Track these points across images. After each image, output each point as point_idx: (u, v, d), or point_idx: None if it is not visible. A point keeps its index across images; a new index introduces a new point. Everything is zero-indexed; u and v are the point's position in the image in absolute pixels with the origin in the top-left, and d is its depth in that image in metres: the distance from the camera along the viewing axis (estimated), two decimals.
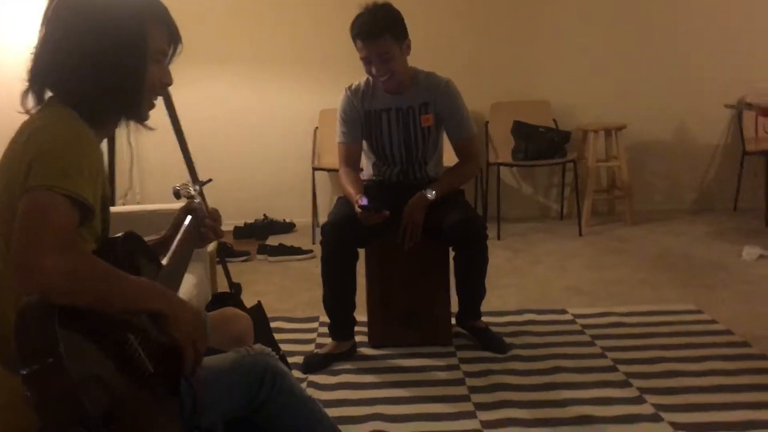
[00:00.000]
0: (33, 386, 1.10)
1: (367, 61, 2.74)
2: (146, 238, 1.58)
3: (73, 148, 1.27)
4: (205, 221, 1.69)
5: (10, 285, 1.24)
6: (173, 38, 1.47)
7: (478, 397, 2.45)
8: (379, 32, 2.68)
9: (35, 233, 1.15)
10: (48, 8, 1.39)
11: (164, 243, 1.61)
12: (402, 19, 2.74)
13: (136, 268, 1.39)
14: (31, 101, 1.39)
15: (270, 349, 1.61)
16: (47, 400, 1.10)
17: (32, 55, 1.40)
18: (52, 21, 1.38)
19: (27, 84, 1.39)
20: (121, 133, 4.48)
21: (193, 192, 1.75)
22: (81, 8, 1.37)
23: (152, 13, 1.41)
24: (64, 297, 1.16)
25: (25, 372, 1.10)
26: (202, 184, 1.87)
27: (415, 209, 2.74)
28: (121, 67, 1.37)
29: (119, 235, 1.41)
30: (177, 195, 1.77)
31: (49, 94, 1.40)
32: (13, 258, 1.15)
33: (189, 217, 1.66)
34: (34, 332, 1.14)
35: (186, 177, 3.36)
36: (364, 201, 2.64)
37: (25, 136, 1.30)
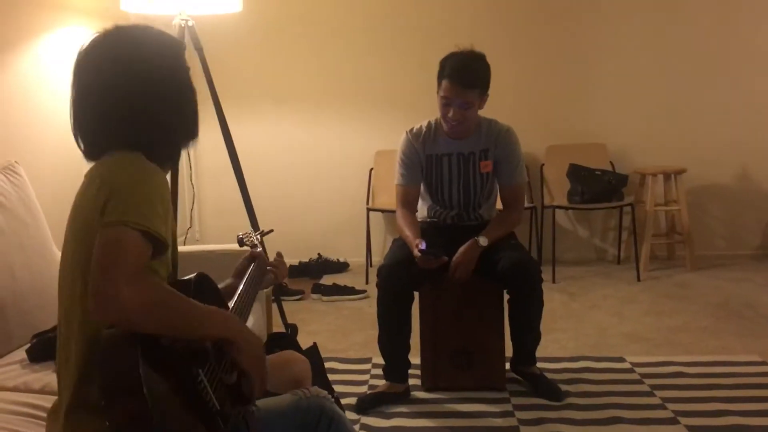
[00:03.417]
0: (113, 416, 1.14)
1: (446, 102, 2.76)
2: None
3: (146, 186, 1.32)
4: (272, 264, 1.77)
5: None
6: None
7: None
8: (471, 83, 2.72)
9: (112, 266, 1.19)
10: (80, 59, 1.40)
11: (228, 289, 1.67)
12: (491, 75, 2.78)
13: None
14: (98, 153, 1.41)
15: (326, 392, 1.63)
16: (125, 430, 1.14)
17: (72, 108, 1.41)
18: (86, 71, 1.40)
19: (75, 135, 1.42)
20: (183, 172, 4.61)
21: (255, 241, 1.83)
22: (119, 56, 1.38)
23: (180, 45, 1.49)
24: (139, 326, 1.20)
25: (105, 402, 1.15)
26: (264, 234, 1.95)
27: (468, 255, 2.75)
28: (183, 104, 1.44)
29: (192, 275, 1.46)
30: (241, 243, 1.86)
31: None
32: (91, 290, 1.19)
33: (252, 265, 1.73)
34: (117, 363, 1.19)
35: (243, 221, 3.45)
36: (423, 245, 2.66)
37: (99, 177, 1.34)
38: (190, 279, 1.43)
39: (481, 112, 2.91)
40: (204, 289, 1.46)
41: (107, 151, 1.40)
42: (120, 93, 1.37)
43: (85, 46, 1.41)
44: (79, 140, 1.43)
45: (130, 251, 1.22)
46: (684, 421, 2.55)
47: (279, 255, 1.91)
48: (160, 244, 1.30)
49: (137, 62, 1.39)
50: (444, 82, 2.74)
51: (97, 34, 1.42)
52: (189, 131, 1.49)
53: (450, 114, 2.77)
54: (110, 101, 1.38)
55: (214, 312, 1.34)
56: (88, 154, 1.43)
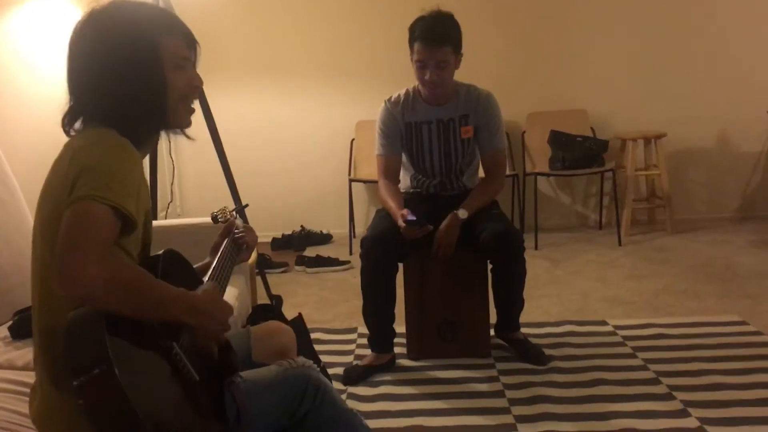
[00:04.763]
0: (86, 395, 1.13)
1: (421, 66, 2.73)
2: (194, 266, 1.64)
3: (116, 163, 1.30)
4: (239, 231, 1.75)
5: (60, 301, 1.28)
6: (190, 42, 1.49)
7: (518, 410, 2.44)
8: (443, 40, 2.68)
9: (77, 242, 1.17)
10: (72, 34, 1.44)
11: (205, 266, 1.66)
12: (461, 33, 2.75)
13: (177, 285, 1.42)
14: (73, 123, 1.44)
15: (312, 362, 1.63)
16: (100, 408, 1.13)
17: (66, 81, 1.44)
18: (74, 46, 1.42)
19: (66, 108, 1.44)
20: (163, 147, 4.57)
21: (230, 217, 1.81)
22: (97, 30, 1.41)
23: (162, 24, 1.45)
24: (102, 305, 1.19)
25: (77, 382, 1.13)
26: (239, 209, 1.93)
27: (450, 230, 2.75)
28: (139, 81, 1.40)
29: (160, 252, 1.44)
30: (215, 220, 1.83)
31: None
32: (57, 265, 1.17)
33: (226, 240, 1.72)
34: (83, 343, 1.17)
35: (224, 194, 3.42)
36: (409, 216, 2.66)
37: (69, 156, 1.34)
38: (158, 256, 1.42)
39: (462, 79, 2.90)
40: (173, 265, 1.44)
41: (85, 122, 1.41)
42: (98, 69, 1.38)
43: (82, 17, 1.43)
44: (71, 109, 1.44)
45: (98, 226, 1.20)
46: (665, 381, 2.59)
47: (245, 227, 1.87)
48: (130, 222, 1.28)
49: (116, 42, 1.38)
50: (416, 45, 2.72)
51: (94, 6, 1.43)
52: (156, 121, 1.46)
53: (427, 77, 2.74)
54: (89, 76, 1.39)
55: (179, 296, 1.30)
56: (66, 119, 1.43)
